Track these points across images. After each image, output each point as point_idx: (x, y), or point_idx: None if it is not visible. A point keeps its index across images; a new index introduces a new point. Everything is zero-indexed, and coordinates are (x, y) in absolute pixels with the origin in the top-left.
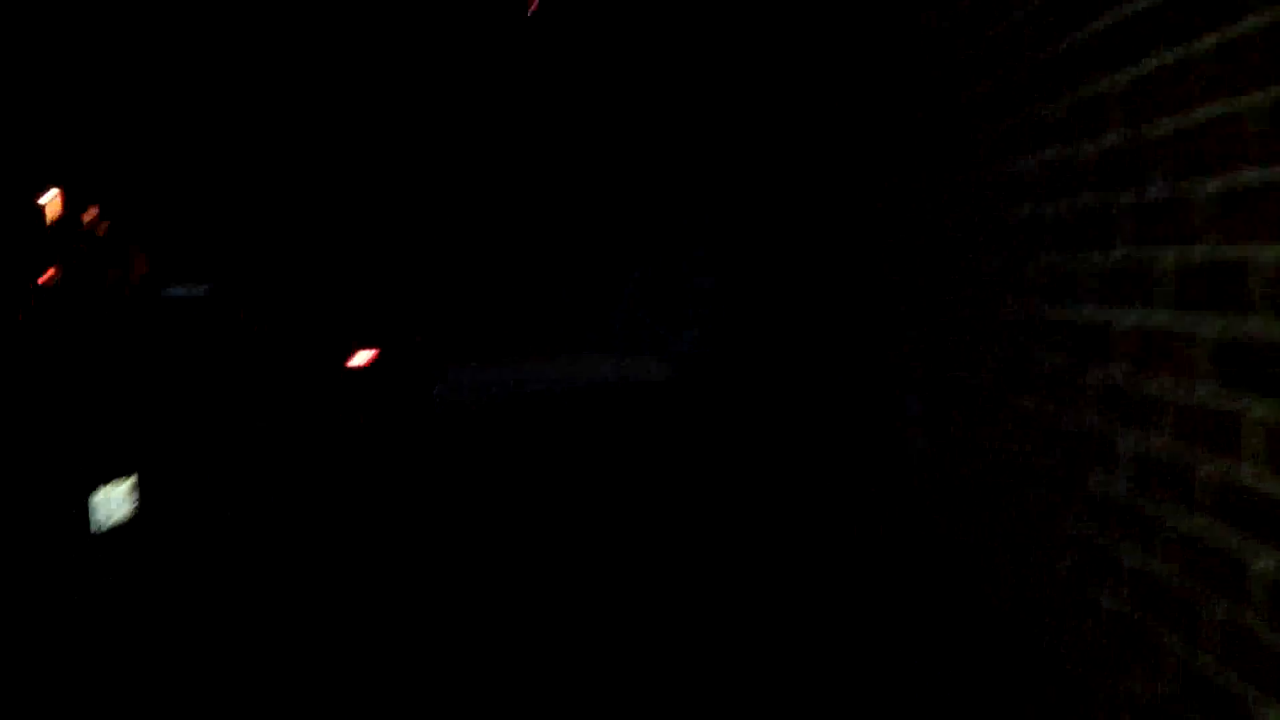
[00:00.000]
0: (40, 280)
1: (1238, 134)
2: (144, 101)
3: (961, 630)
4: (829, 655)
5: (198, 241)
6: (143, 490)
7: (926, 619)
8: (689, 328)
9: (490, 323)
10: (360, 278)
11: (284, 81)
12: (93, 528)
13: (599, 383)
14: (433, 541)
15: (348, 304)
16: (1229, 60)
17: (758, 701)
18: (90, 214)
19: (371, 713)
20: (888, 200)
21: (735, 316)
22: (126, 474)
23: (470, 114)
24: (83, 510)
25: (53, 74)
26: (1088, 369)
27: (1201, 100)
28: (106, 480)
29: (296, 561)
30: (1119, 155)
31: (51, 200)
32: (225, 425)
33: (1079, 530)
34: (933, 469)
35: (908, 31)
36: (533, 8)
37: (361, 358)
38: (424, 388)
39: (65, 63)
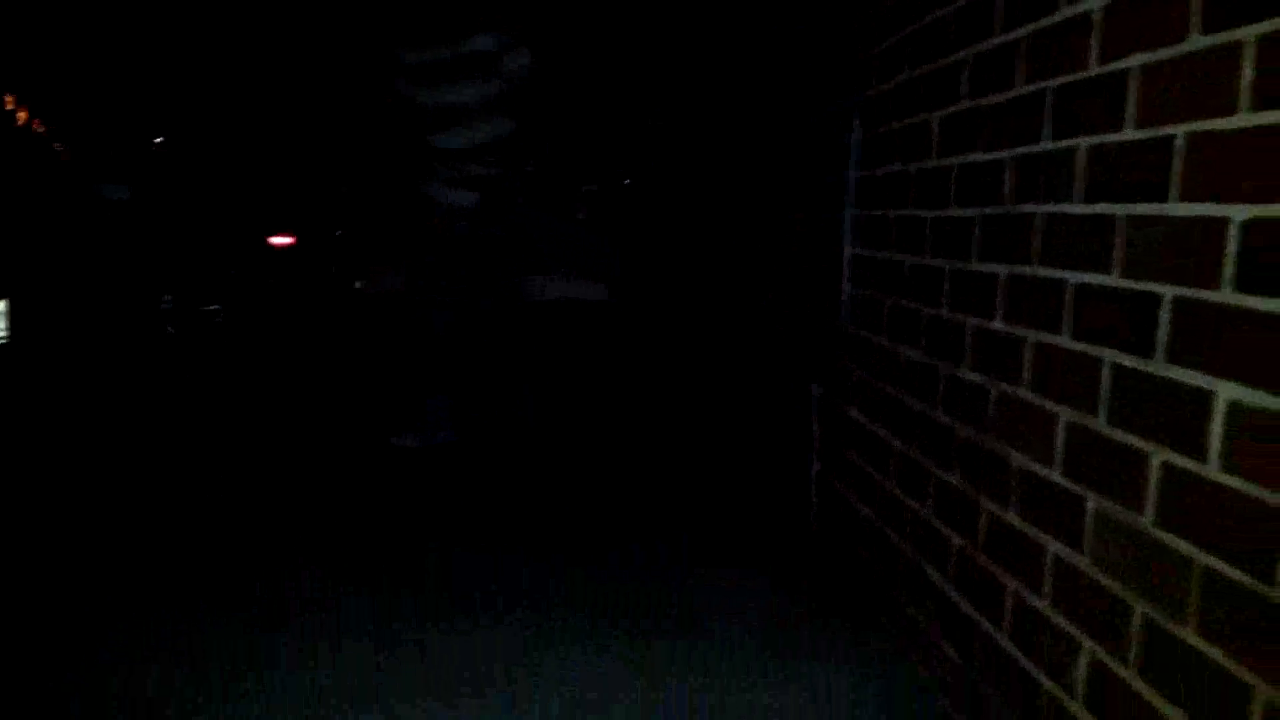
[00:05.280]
0: None
1: None
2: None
3: None
4: None
5: (118, 133)
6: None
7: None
8: (618, 254)
9: None
10: (285, 172)
11: None
12: None
13: (549, 299)
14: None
15: (270, 195)
16: None
17: None
18: (9, 101)
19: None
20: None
21: (649, 248)
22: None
23: None
24: None
25: None
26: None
27: None
28: None
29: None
30: None
31: None
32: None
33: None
34: None
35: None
36: None
37: (280, 240)
38: (344, 277)
39: None
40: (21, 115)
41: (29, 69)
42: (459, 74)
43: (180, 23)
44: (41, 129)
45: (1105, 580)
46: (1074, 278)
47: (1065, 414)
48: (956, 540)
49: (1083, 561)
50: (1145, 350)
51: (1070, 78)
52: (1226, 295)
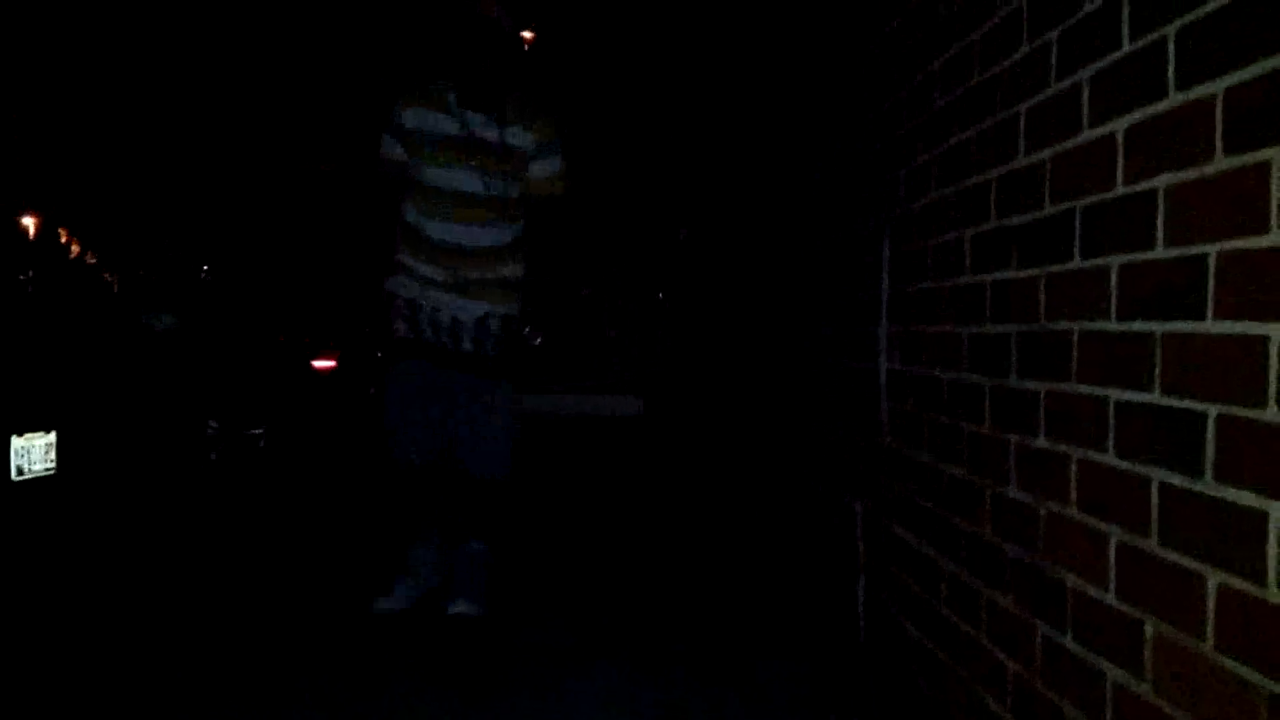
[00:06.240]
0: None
1: None
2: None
3: None
4: None
5: (166, 263)
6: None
7: None
8: (651, 366)
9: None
10: (327, 295)
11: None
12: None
13: (583, 413)
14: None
15: (312, 318)
16: None
17: None
18: (62, 235)
19: None
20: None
21: (681, 359)
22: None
23: None
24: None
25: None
26: None
27: None
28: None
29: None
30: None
31: (31, 221)
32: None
33: None
34: None
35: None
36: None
37: (323, 362)
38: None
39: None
40: (74, 249)
41: (82, 202)
42: (487, 162)
43: (225, 150)
44: (92, 260)
45: (1170, 710)
46: (1115, 395)
47: (1116, 534)
48: (1012, 666)
49: (1145, 690)
50: (1193, 469)
51: (1097, 198)
52: (1272, 414)
